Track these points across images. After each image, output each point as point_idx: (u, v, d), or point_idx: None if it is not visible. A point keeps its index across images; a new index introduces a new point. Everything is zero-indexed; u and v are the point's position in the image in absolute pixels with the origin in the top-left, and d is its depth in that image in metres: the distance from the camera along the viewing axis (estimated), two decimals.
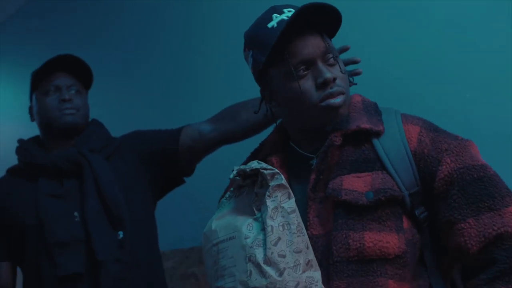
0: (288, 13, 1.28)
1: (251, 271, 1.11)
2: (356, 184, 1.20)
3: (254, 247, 1.12)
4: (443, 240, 1.23)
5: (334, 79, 1.24)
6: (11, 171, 1.94)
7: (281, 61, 1.26)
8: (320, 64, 1.25)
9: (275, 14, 1.29)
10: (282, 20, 1.27)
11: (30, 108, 1.95)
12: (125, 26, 3.11)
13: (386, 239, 1.16)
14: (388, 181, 1.20)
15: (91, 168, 1.79)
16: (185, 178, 1.98)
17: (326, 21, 1.28)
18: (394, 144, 1.24)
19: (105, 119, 2.05)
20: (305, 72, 1.25)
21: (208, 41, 2.69)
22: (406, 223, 1.20)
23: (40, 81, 1.89)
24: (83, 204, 1.76)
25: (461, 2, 1.82)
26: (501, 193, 1.17)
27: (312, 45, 1.25)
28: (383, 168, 1.23)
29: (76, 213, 1.76)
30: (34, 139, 1.98)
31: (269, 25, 1.28)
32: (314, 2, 1.22)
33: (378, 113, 1.30)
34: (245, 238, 1.14)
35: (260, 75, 1.34)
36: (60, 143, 1.89)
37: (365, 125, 1.25)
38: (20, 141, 1.95)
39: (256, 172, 1.20)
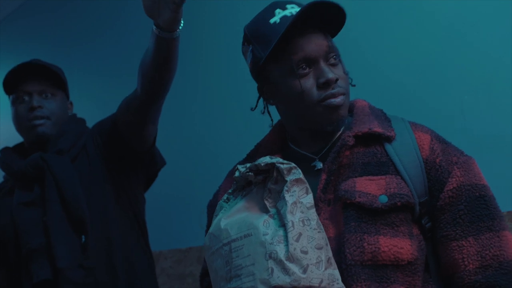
0: (291, 10, 1.25)
1: (272, 269, 1.05)
2: (370, 187, 1.18)
3: (275, 243, 1.06)
4: (440, 254, 1.22)
5: (336, 79, 1.22)
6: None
7: (282, 58, 1.24)
8: (323, 64, 1.23)
9: (278, 10, 1.26)
10: (285, 16, 1.24)
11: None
12: (125, 24, 3.06)
13: (400, 244, 1.14)
14: (404, 187, 1.19)
15: (51, 172, 1.75)
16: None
17: (330, 20, 1.26)
18: (406, 150, 1.23)
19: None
20: (307, 71, 1.23)
21: (208, 40, 2.67)
22: (415, 230, 1.19)
23: (13, 87, 1.87)
24: (46, 210, 1.74)
25: (458, 3, 1.86)
26: (499, 216, 1.19)
27: (315, 43, 1.23)
28: (397, 172, 1.21)
29: (45, 218, 1.74)
30: (20, 145, 1.97)
31: (271, 21, 1.25)
32: (320, 1, 1.20)
33: (388, 120, 1.30)
34: (264, 235, 1.08)
35: (259, 71, 1.31)
36: (36, 148, 1.86)
37: (378, 128, 1.24)
38: (3, 150, 1.94)
39: (270, 167, 1.15)
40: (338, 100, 1.22)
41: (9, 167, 1.85)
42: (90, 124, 1.98)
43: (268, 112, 1.35)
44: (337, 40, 1.33)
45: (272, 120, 1.37)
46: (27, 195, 1.78)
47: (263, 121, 1.40)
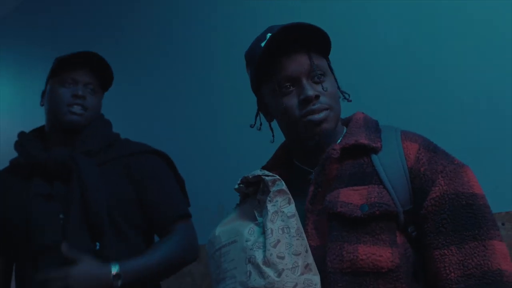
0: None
1: (250, 272, 1.14)
2: (352, 197, 1.22)
3: (254, 249, 1.15)
4: (425, 263, 1.23)
5: (317, 96, 1.28)
6: (12, 163, 1.92)
7: (269, 78, 1.33)
8: (305, 82, 1.29)
9: (269, 34, 1.35)
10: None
11: (43, 92, 1.93)
12: (126, 22, 3.12)
13: (379, 252, 1.17)
14: (385, 196, 1.22)
15: (79, 174, 1.74)
16: (185, 177, 1.95)
17: (316, 40, 1.33)
18: (392, 161, 1.26)
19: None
20: (290, 89, 1.30)
21: (222, 49, 2.71)
22: (399, 239, 1.21)
23: (60, 69, 1.86)
24: (65, 209, 1.73)
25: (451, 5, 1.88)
26: (487, 225, 1.17)
27: (296, 62, 1.30)
28: (380, 182, 1.24)
29: (61, 215, 1.73)
30: (37, 130, 1.95)
31: (262, 44, 1.33)
32: (296, 22, 1.28)
33: (378, 131, 1.33)
34: (246, 241, 1.18)
35: (255, 91, 1.42)
36: (60, 138, 1.86)
37: (363, 140, 1.29)
38: (20, 135, 1.92)
39: (259, 179, 1.25)
40: (320, 116, 1.28)
41: (29, 155, 1.81)
42: None
43: (270, 128, 1.44)
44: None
45: (273, 135, 1.45)
46: (47, 187, 1.76)
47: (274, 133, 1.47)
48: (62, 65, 1.85)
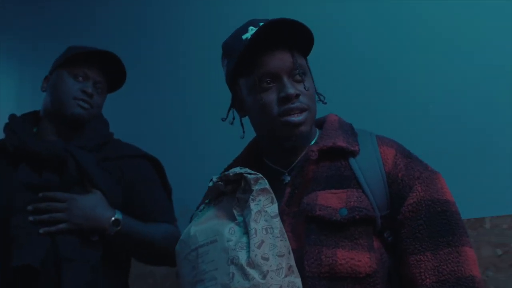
0: None
1: (233, 274, 1.09)
2: (331, 200, 1.21)
3: (237, 249, 1.11)
4: (400, 268, 1.24)
5: (297, 95, 1.26)
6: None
7: (249, 72, 1.29)
8: (286, 79, 1.27)
9: (251, 27, 1.32)
10: None
11: (47, 78, 1.85)
12: (101, 23, 3.04)
13: (358, 257, 1.16)
14: (364, 200, 1.21)
15: (78, 163, 1.69)
16: (171, 180, 1.92)
17: (298, 38, 1.31)
18: (370, 165, 1.26)
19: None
20: (270, 85, 1.28)
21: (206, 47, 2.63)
22: (376, 244, 1.21)
23: (73, 61, 1.80)
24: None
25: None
26: (460, 231, 1.20)
27: (279, 59, 1.28)
28: (359, 186, 1.24)
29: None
30: (29, 115, 1.87)
31: (244, 37, 1.31)
32: (282, 18, 1.26)
33: (354, 134, 1.33)
34: (228, 241, 1.13)
35: (231, 84, 1.37)
36: (55, 127, 1.80)
37: (341, 143, 1.28)
38: (11, 118, 1.84)
39: (239, 177, 1.20)
40: (299, 118, 1.26)
41: (21, 141, 1.73)
42: None
43: (241, 124, 1.40)
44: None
45: (244, 131, 1.41)
46: (35, 177, 1.69)
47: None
48: (77, 57, 1.79)
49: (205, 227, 1.20)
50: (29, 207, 1.63)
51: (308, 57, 1.39)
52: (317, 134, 1.37)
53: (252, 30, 1.30)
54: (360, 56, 2.04)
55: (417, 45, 1.93)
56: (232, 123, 1.40)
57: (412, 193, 1.23)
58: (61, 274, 1.57)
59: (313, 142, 1.34)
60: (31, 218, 1.62)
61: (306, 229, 1.20)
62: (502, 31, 1.78)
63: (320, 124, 1.39)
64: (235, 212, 1.19)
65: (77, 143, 1.75)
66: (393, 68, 1.96)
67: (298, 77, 1.29)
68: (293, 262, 1.14)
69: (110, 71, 1.85)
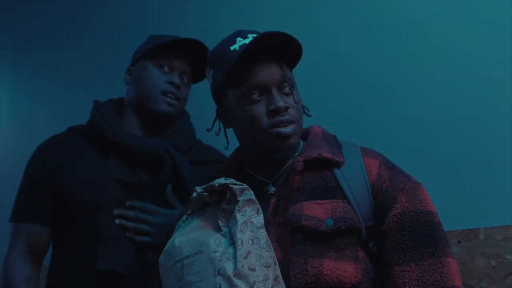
0: (251, 38, 1.31)
1: (220, 284, 1.08)
2: (316, 211, 1.22)
3: (224, 260, 1.10)
4: (384, 278, 1.25)
5: (287, 108, 1.27)
6: (75, 131, 1.75)
7: (238, 84, 1.30)
8: (275, 92, 1.28)
9: (239, 38, 1.32)
10: (244, 44, 1.30)
11: (129, 69, 1.77)
12: (117, 14, 2.95)
13: (344, 267, 1.17)
14: (350, 211, 1.22)
15: (173, 161, 1.63)
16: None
17: (287, 51, 1.32)
18: (354, 176, 1.27)
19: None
20: (259, 98, 1.28)
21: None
22: (361, 254, 1.22)
23: (159, 52, 1.71)
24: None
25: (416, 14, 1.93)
26: (442, 242, 1.22)
27: (268, 72, 1.29)
28: (344, 197, 1.25)
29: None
30: (115, 102, 1.80)
31: (232, 48, 1.31)
32: (274, 31, 1.27)
33: (339, 145, 1.34)
34: (214, 252, 1.12)
35: (217, 95, 1.37)
36: (139, 122, 1.72)
37: (327, 154, 1.29)
38: (97, 104, 1.76)
39: (224, 188, 1.20)
40: (288, 130, 1.27)
41: (114, 133, 1.65)
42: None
43: (225, 135, 1.40)
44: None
45: (228, 142, 1.41)
46: (129, 174, 1.63)
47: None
48: (161, 48, 1.70)
49: (190, 237, 1.19)
50: (116, 212, 1.58)
51: (301, 64, 1.39)
52: (302, 145, 1.38)
53: (240, 41, 1.31)
54: (354, 64, 2.04)
55: (411, 52, 1.94)
56: (217, 134, 1.40)
57: (397, 204, 1.24)
58: (149, 280, 1.54)
59: (297, 153, 1.34)
60: (117, 221, 1.57)
61: (292, 240, 1.20)
62: (498, 38, 1.79)
63: (304, 135, 1.40)
64: (220, 222, 1.18)
65: (169, 143, 1.68)
66: (387, 75, 1.96)
67: (287, 90, 1.30)
68: (279, 273, 1.14)
69: (196, 61, 1.75)
